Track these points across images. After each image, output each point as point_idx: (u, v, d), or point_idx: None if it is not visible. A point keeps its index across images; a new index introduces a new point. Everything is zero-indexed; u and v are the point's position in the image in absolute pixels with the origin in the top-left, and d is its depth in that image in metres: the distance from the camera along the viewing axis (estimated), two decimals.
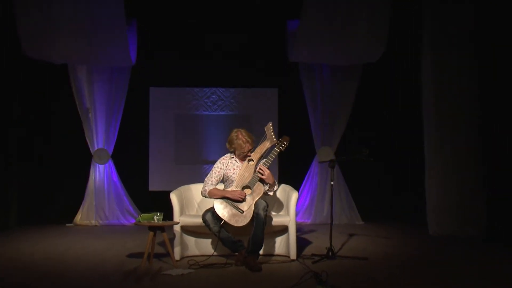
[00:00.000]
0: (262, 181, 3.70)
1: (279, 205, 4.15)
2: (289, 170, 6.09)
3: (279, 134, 5.61)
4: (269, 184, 3.70)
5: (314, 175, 6.13)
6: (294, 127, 6.05)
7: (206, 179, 3.79)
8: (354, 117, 6.20)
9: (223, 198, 3.63)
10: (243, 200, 3.59)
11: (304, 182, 6.14)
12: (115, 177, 6.01)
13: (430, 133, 5.02)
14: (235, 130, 3.74)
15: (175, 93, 6.31)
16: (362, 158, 3.79)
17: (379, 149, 5.92)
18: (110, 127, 6.00)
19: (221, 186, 3.90)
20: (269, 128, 3.74)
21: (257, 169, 3.66)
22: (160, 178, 6.19)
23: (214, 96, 6.32)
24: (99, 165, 5.96)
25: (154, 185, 6.22)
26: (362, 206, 6.14)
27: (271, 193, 3.77)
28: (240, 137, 3.70)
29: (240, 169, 3.73)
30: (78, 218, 5.89)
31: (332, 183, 3.91)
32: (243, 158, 3.76)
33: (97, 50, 5.34)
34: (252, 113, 6.26)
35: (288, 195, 4.01)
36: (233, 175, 3.75)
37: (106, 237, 4.90)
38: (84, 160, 5.96)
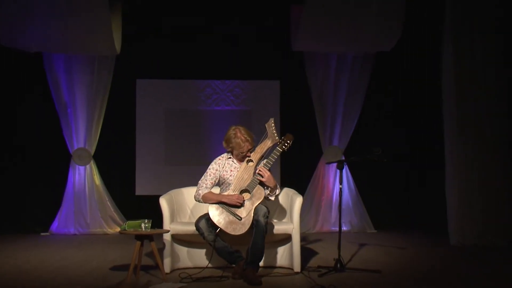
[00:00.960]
0: (262, 184, 3.70)
1: (281, 211, 4.16)
2: (293, 172, 6.16)
3: (282, 132, 5.62)
4: (270, 187, 3.70)
5: (320, 178, 6.18)
6: (298, 124, 6.12)
7: (199, 182, 3.78)
8: (366, 113, 6.24)
9: (219, 203, 3.63)
10: (241, 205, 3.60)
11: (309, 185, 6.19)
12: (97, 180, 6.06)
13: (451, 132, 5.02)
14: (233, 127, 3.73)
15: (165, 85, 6.33)
16: (374, 159, 3.81)
17: (393, 149, 5.99)
18: (92, 123, 6.02)
19: (216, 190, 3.88)
20: (271, 125, 3.75)
21: (256, 171, 3.67)
22: (148, 181, 6.24)
23: (208, 89, 6.34)
24: (79, 167, 6.00)
25: (141, 189, 6.25)
26: (374, 212, 6.18)
27: (272, 198, 3.77)
28: (239, 135, 3.68)
29: (238, 170, 3.72)
30: (55, 226, 5.92)
31: (340, 186, 3.94)
32: (241, 158, 3.76)
33: (76, 36, 5.38)
34: (251, 108, 6.32)
35: (291, 200, 4.01)
36: (230, 178, 3.75)
37: (86, 248, 4.91)
38: (62, 161, 5.98)
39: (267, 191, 3.73)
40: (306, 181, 6.20)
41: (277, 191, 3.76)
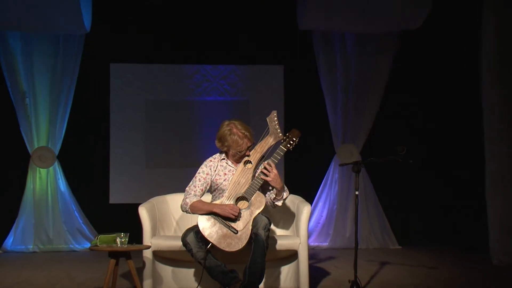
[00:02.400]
0: (265, 187, 3.73)
1: (286, 223, 4.17)
2: (300, 176, 6.18)
3: (286, 128, 5.71)
4: (277, 189, 3.70)
5: (332, 183, 6.22)
6: (306, 117, 6.15)
7: (187, 188, 3.80)
8: (388, 105, 6.25)
9: (211, 213, 3.64)
10: (237, 216, 3.61)
11: (319, 192, 6.24)
12: (63, 185, 6.04)
13: (491, 129, 4.99)
14: (226, 122, 3.74)
15: (145, 71, 6.35)
16: (398, 160, 3.83)
17: (420, 148, 6.04)
18: (56, 117, 6.00)
19: (207, 198, 3.91)
20: (273, 119, 3.77)
21: (260, 167, 3.67)
22: (125, 187, 6.26)
23: (198, 76, 6.36)
24: (41, 170, 5.97)
25: (116, 196, 6.26)
26: (398, 225, 6.21)
27: (279, 203, 3.77)
28: (235, 131, 3.70)
29: (233, 174, 3.74)
30: (10, 242, 5.88)
31: (357, 193, 3.93)
32: (238, 159, 3.79)
33: (36, 11, 5.33)
34: (250, 98, 6.34)
35: (298, 209, 4.03)
36: (224, 183, 3.78)
37: (49, 268, 4.90)
38: (20, 163, 5.96)
39: (272, 195, 3.74)
40: (316, 186, 6.24)
41: (285, 194, 3.77)
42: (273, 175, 3.65)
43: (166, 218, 4.19)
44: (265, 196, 3.76)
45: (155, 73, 6.33)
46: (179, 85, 6.32)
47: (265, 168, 3.65)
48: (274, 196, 3.73)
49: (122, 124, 6.28)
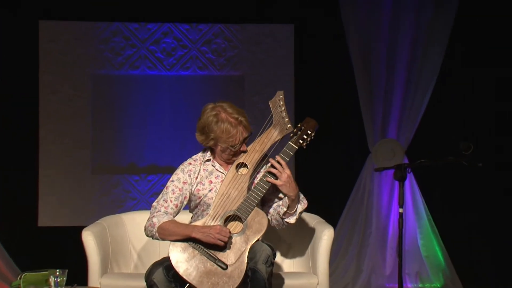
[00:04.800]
0: (269, 197, 3.77)
1: (297, 253, 4.17)
2: (317, 186, 6.11)
3: (297, 116, 5.65)
4: (289, 197, 3.73)
5: (365, 196, 6.23)
6: (325, 101, 6.16)
7: (155, 203, 3.83)
8: (446, 86, 6.26)
9: (188, 239, 3.66)
10: (226, 243, 3.62)
11: (346, 209, 6.25)
12: None
13: None
14: (210, 105, 3.78)
15: (90, 32, 6.32)
16: (462, 162, 3.89)
17: (493, 148, 6.04)
18: None
19: (185, 217, 3.89)
20: (279, 104, 3.78)
21: (267, 166, 3.73)
22: (60, 203, 6.22)
23: (168, 40, 6.36)
24: None
25: (48, 217, 6.21)
26: (461, 257, 6.17)
27: (291, 220, 3.80)
28: (224, 116, 3.72)
29: (222, 182, 3.76)
30: None
31: (401, 210, 4.01)
32: (229, 159, 3.81)
33: None
34: (245, 74, 6.32)
35: (315, 234, 4.04)
36: (209, 195, 3.80)
37: None
38: None
39: (282, 208, 3.76)
40: (341, 201, 6.25)
41: (300, 207, 3.80)
42: (286, 177, 3.67)
43: (123, 248, 4.18)
44: (270, 212, 3.80)
45: (104, 35, 6.30)
46: (141, 54, 6.29)
47: (272, 166, 3.68)
48: (285, 210, 3.74)
49: (56, 109, 6.25)
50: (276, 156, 3.72)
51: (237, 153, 3.76)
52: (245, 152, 3.76)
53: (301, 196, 3.79)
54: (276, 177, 3.67)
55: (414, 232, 6.12)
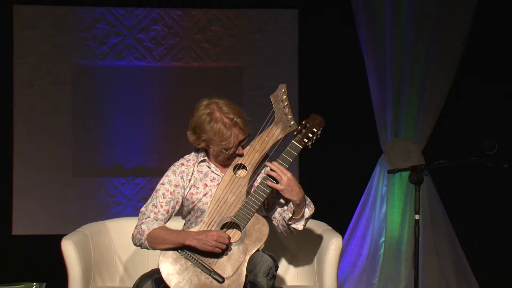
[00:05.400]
0: (273, 201, 3.81)
1: (302, 264, 4.19)
2: (324, 190, 6.14)
3: (302, 113, 5.73)
4: (294, 202, 3.76)
5: (378, 201, 6.26)
6: (333, 95, 6.20)
7: (143, 208, 3.85)
8: (468, 78, 6.23)
9: (181, 247, 3.67)
10: (223, 252, 3.64)
11: (356, 215, 6.29)
12: None
13: None
14: (206, 102, 3.79)
15: (70, 18, 6.30)
16: (485, 162, 3.92)
17: None
18: None
19: (177, 224, 3.91)
20: (281, 99, 3.81)
21: (264, 172, 3.76)
22: (37, 208, 6.23)
23: (157, 28, 6.35)
24: None
25: (24, 225, 6.22)
26: (484, 267, 6.19)
27: (298, 226, 3.83)
28: (218, 116, 3.73)
29: (218, 185, 3.78)
30: None
31: (417, 217, 3.98)
32: (225, 161, 3.83)
33: None
34: (244, 65, 6.33)
35: (322, 243, 4.05)
36: (204, 200, 3.82)
37: None
38: None
39: (287, 214, 3.80)
40: (350, 206, 6.28)
41: (308, 211, 3.83)
42: (286, 180, 3.68)
43: (107, 258, 4.18)
44: (275, 216, 3.85)
45: (86, 21, 6.31)
46: (127, 42, 6.31)
47: (271, 169, 3.70)
48: (290, 215, 3.76)
49: (33, 105, 6.26)
50: (274, 162, 3.74)
51: (232, 157, 3.77)
52: (241, 156, 3.77)
53: (308, 199, 3.81)
54: (276, 181, 3.69)
55: (431, 240, 6.12)
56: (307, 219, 3.80)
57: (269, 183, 3.68)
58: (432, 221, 6.15)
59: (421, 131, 6.26)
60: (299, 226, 3.78)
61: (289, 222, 3.77)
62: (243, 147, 3.78)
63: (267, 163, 3.72)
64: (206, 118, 3.71)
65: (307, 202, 3.80)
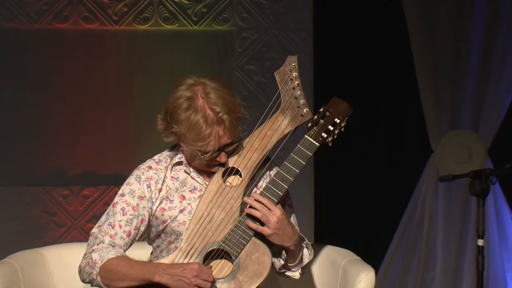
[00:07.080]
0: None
1: None
2: (350, 206, 6.34)
3: (319, 98, 5.73)
4: (288, 249, 3.83)
5: (425, 219, 6.36)
6: (363, 75, 6.41)
7: (95, 229, 3.89)
8: None
9: (147, 286, 3.69)
10: None
11: (395, 239, 6.42)
12: None
13: None
14: (191, 81, 3.86)
15: None
16: None
17: None
18: None
19: (142, 252, 3.99)
20: (290, 77, 3.86)
21: (273, 174, 3.87)
22: None
23: None
24: None
25: None
26: None
27: (295, 274, 3.92)
28: (200, 104, 3.76)
29: (201, 197, 3.84)
30: None
31: (480, 243, 4.13)
32: (203, 167, 3.88)
33: None
34: (236, 28, 6.45)
35: (347, 278, 4.11)
36: (179, 218, 3.87)
37: None
38: None
39: (279, 260, 3.87)
40: (387, 228, 6.36)
41: (306, 256, 3.92)
42: (275, 222, 3.70)
43: None
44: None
45: None
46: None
47: (250, 207, 3.74)
48: (283, 261, 3.84)
49: None
50: (256, 195, 3.75)
51: (211, 165, 3.78)
52: (222, 165, 3.78)
53: (305, 241, 3.92)
54: (261, 223, 3.69)
55: (502, 274, 6.19)
56: (305, 267, 3.92)
57: (251, 224, 3.70)
58: (502, 248, 6.14)
59: (486, 124, 6.41)
60: (295, 274, 3.89)
61: (281, 269, 3.87)
62: (230, 155, 3.81)
63: (245, 199, 3.76)
64: (183, 103, 3.74)
65: (304, 243, 3.89)
